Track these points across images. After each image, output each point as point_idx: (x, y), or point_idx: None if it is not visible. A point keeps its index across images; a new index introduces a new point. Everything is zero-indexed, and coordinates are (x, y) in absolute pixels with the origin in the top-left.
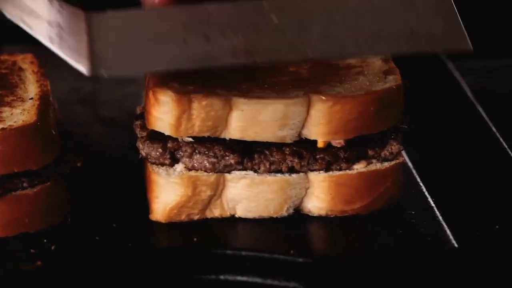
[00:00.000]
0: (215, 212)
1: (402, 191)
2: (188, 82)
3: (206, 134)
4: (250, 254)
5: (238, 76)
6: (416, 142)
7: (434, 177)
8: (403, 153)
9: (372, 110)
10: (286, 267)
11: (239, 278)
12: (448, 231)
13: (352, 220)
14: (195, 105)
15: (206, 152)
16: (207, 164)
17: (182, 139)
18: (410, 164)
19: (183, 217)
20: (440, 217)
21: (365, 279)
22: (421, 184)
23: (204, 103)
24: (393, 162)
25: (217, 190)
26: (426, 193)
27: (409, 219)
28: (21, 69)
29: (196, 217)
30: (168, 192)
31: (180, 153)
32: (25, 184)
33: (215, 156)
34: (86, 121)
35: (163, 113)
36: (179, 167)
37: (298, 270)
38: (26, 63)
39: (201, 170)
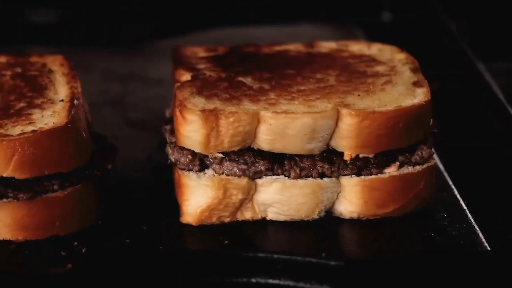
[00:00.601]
0: (246, 215)
1: (433, 194)
2: (214, 96)
3: (235, 149)
4: (282, 257)
5: (265, 85)
6: (447, 146)
7: (466, 180)
8: (435, 156)
9: (401, 126)
10: (318, 270)
11: (270, 281)
12: (480, 234)
13: (383, 223)
14: (223, 121)
15: (236, 159)
16: (237, 171)
17: (212, 155)
18: (441, 167)
19: (214, 219)
20: (472, 220)
21: (397, 282)
22: (453, 187)
23: (231, 119)
24: (425, 165)
25: (249, 194)
26: (458, 196)
27: (441, 222)
28: (51, 71)
29: (227, 220)
30: (199, 195)
31: (210, 159)
32: (55, 187)
33: (245, 163)
34: (115, 123)
35: (191, 131)
36: (209, 171)
37: (330, 273)
38: (56, 65)
39: (232, 176)
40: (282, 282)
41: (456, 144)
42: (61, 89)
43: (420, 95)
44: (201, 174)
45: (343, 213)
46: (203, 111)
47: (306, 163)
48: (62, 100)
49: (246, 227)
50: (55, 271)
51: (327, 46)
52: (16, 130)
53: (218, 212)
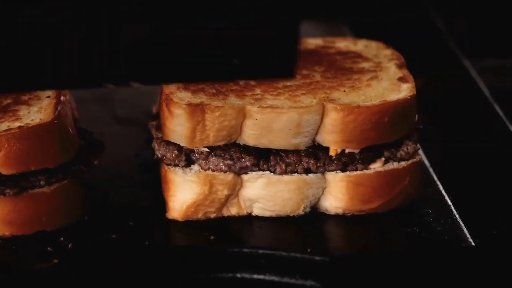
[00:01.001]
0: (232, 210)
1: (419, 190)
2: (201, 91)
3: (221, 143)
4: (267, 252)
5: (251, 81)
6: (432, 142)
7: (451, 176)
8: (420, 152)
9: (386, 121)
10: (303, 266)
11: (255, 276)
12: (465, 230)
13: (368, 219)
14: (209, 116)
15: (222, 155)
16: (223, 166)
17: (198, 149)
18: (427, 163)
19: (200, 215)
20: (457, 216)
21: (382, 278)
22: (438, 183)
23: (217, 113)
24: (410, 161)
25: (234, 189)
26: (443, 192)
27: (426, 217)
28: None
29: (213, 216)
30: (185, 191)
31: (196, 155)
32: (42, 182)
33: (231, 159)
34: (102, 120)
35: (177, 125)
36: (195, 167)
37: (315, 269)
38: None
39: (217, 171)
40: (267, 278)
41: (442, 141)
42: None
43: (405, 90)
44: (187, 169)
45: (329, 209)
46: (189, 105)
47: (292, 158)
48: (48, 97)
49: (231, 223)
50: (41, 267)
51: (313, 42)
52: (2, 126)
53: (204, 208)
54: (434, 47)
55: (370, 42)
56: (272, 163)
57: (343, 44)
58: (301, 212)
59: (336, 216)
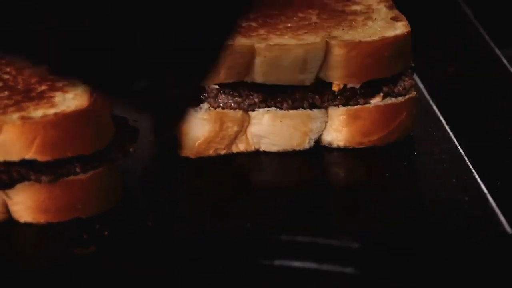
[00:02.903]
0: (241, 146)
1: (414, 124)
2: None
3: (231, 80)
4: (305, 240)
5: (253, 23)
6: (469, 131)
7: (487, 164)
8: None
9: (386, 55)
10: (341, 252)
11: (294, 263)
12: (501, 217)
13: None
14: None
15: (231, 92)
16: (232, 103)
17: (208, 87)
18: (462, 151)
19: (211, 152)
20: (494, 204)
21: (418, 264)
22: (473, 171)
23: (228, 51)
24: (407, 96)
25: (243, 126)
26: (479, 180)
27: (462, 205)
28: None
29: (222, 152)
30: (197, 128)
31: (205, 94)
32: (77, 169)
33: (240, 96)
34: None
35: None
36: (205, 105)
37: (352, 256)
38: None
39: (227, 109)
40: (305, 265)
41: (478, 129)
42: None
43: (401, 28)
44: (197, 108)
45: (331, 142)
46: None
47: (297, 94)
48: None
49: (239, 158)
50: (80, 252)
51: None
52: (38, 112)
53: (214, 145)
54: (464, 35)
55: None
56: (279, 99)
57: None
58: (306, 146)
59: (337, 149)
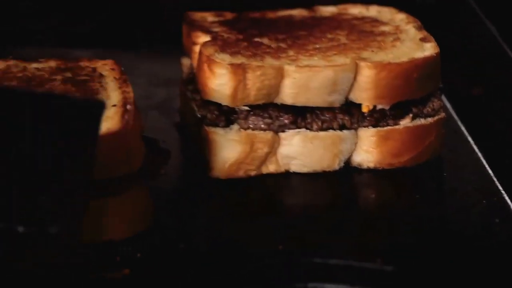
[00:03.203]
0: (270, 168)
1: (443, 145)
2: (238, 53)
3: (261, 102)
4: (338, 262)
5: (282, 44)
6: (497, 151)
7: (507, 168)
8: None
9: (415, 77)
10: (375, 275)
11: (327, 286)
12: None
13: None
14: (250, 75)
15: (261, 114)
16: (262, 125)
17: (238, 108)
18: (491, 172)
19: (241, 173)
20: None
21: (450, 286)
22: (503, 192)
23: (258, 73)
24: (436, 117)
25: (273, 147)
26: (509, 202)
27: (493, 227)
28: (101, 75)
29: (253, 173)
30: (227, 150)
31: (235, 115)
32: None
33: (270, 117)
34: (163, 128)
35: (219, 84)
36: (235, 126)
37: (386, 278)
38: (106, 69)
39: (257, 130)
40: (339, 287)
41: (496, 133)
42: (113, 94)
43: (430, 49)
44: (228, 129)
45: (361, 163)
46: (231, 64)
47: (327, 115)
48: (114, 105)
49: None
50: (113, 276)
51: (328, 10)
52: None
53: (245, 166)
54: (489, 53)
55: (382, 7)
56: (309, 120)
57: (356, 10)
58: (336, 167)
59: (367, 171)
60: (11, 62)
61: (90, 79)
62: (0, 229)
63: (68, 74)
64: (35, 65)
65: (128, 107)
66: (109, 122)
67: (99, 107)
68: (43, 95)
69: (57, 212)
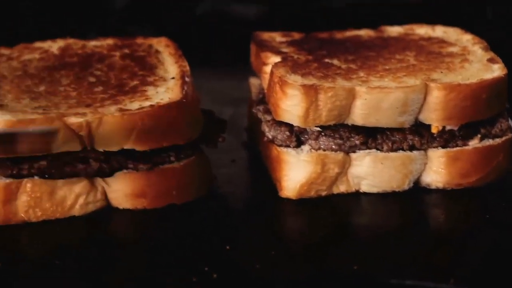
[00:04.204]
0: (341, 188)
1: (510, 165)
2: (309, 74)
3: (332, 123)
4: (415, 284)
5: (352, 65)
6: None
7: None
8: None
9: (483, 98)
10: None
11: None
12: None
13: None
14: (322, 96)
15: (332, 134)
16: (333, 145)
17: (309, 128)
18: None
19: (312, 193)
20: None
21: None
22: None
23: (330, 94)
24: (504, 138)
25: (344, 167)
26: None
27: None
28: (158, 51)
29: (324, 193)
30: (299, 170)
31: (306, 136)
32: (172, 158)
33: (341, 138)
34: (230, 146)
35: (291, 105)
36: (306, 147)
37: None
38: (161, 46)
39: (328, 150)
40: None
41: None
42: (170, 68)
43: (497, 70)
44: (299, 150)
45: (430, 184)
46: (303, 86)
47: (397, 136)
48: (173, 78)
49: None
50: None
51: (394, 30)
52: (134, 105)
53: (316, 186)
54: None
55: (448, 28)
56: (379, 141)
57: (423, 31)
58: (405, 187)
59: (437, 190)
60: (70, 41)
61: (147, 54)
62: None
63: (126, 51)
64: (93, 42)
65: (187, 79)
66: (170, 93)
67: None
68: None
69: None
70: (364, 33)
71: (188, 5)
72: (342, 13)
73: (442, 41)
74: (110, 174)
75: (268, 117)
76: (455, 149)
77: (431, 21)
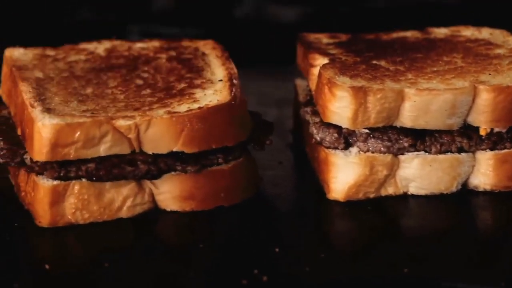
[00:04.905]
0: (389, 190)
1: None
2: (357, 76)
3: (380, 125)
4: (467, 287)
5: (400, 67)
6: None
7: None
8: None
9: None
10: None
11: None
12: None
13: None
14: (371, 98)
15: (380, 136)
16: (382, 147)
17: (358, 130)
18: None
19: (360, 195)
20: None
21: None
22: None
23: (379, 96)
24: None
25: (392, 170)
26: None
27: None
28: (204, 54)
29: (372, 196)
30: (347, 172)
31: (354, 138)
32: (220, 160)
33: (389, 140)
34: (276, 148)
35: (340, 107)
36: (354, 149)
37: None
38: (208, 48)
39: (376, 153)
40: None
41: None
42: (217, 70)
43: None
44: (347, 152)
45: (477, 186)
46: (352, 87)
47: (446, 138)
48: (221, 80)
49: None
50: None
51: (440, 31)
52: (182, 107)
53: (364, 188)
54: None
55: (494, 30)
56: (428, 143)
57: (469, 32)
58: (453, 189)
59: (485, 193)
60: (116, 42)
61: (193, 57)
62: None
63: (172, 53)
64: (139, 44)
65: (235, 81)
66: (218, 95)
67: None
68: None
69: None
70: (411, 34)
71: (228, 6)
72: (382, 14)
73: (488, 43)
74: (158, 176)
75: (316, 119)
76: (503, 151)
77: (475, 22)
